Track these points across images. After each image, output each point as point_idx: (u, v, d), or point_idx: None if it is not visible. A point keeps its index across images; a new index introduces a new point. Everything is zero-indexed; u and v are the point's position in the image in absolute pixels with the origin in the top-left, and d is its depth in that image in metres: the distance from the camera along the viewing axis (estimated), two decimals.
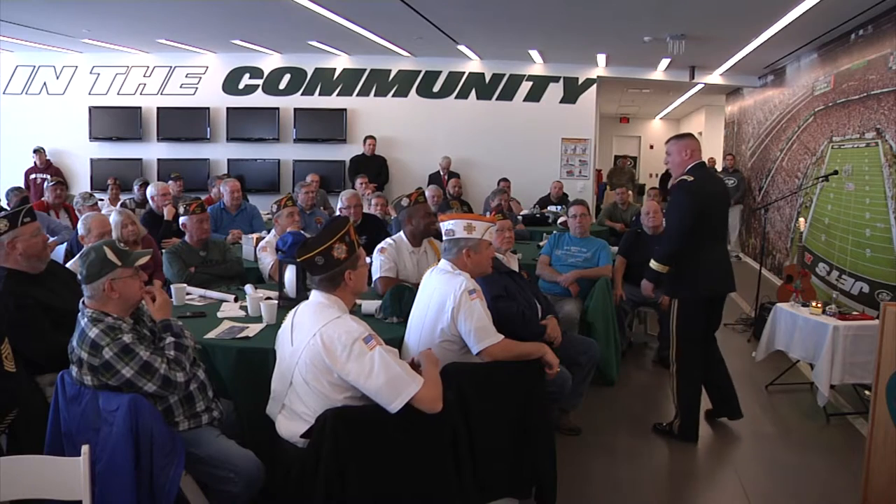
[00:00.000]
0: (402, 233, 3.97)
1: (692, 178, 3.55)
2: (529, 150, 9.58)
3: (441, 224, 2.95)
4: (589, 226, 5.08)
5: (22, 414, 2.48)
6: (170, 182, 7.41)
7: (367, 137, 9.27)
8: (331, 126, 9.55)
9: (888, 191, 5.14)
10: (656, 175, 15.34)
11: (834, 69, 6.49)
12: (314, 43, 8.45)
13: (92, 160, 9.64)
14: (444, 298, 2.71)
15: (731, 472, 3.50)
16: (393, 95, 9.60)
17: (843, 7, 5.36)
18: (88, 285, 2.32)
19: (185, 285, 3.72)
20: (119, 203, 7.04)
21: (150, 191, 5.69)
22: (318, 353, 2.19)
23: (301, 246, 2.37)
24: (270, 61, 9.54)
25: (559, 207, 8.07)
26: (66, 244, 4.76)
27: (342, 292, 2.35)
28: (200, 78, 9.63)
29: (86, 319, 2.29)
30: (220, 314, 3.33)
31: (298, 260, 2.34)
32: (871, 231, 5.41)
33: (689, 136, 3.80)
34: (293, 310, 2.43)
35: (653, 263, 3.67)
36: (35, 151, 9.09)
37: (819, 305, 4.32)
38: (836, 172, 6.00)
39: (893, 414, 2.58)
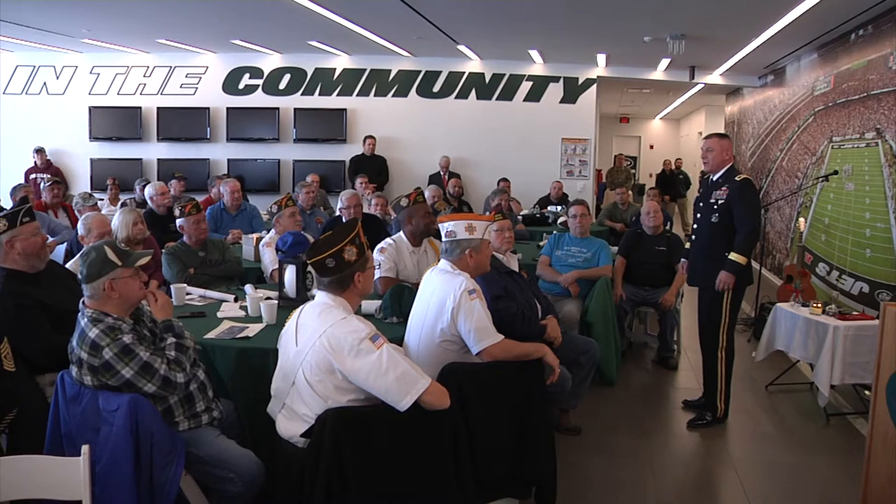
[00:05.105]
0: (401, 233, 3.97)
1: (749, 177, 3.87)
2: (529, 150, 9.58)
3: (441, 225, 2.94)
4: (589, 226, 5.09)
5: (22, 414, 2.48)
6: (172, 182, 7.41)
7: (366, 137, 9.27)
8: (331, 126, 9.54)
9: (888, 191, 5.14)
10: (655, 175, 15.32)
11: (834, 69, 6.49)
12: (314, 43, 8.44)
13: (92, 160, 9.64)
14: (443, 298, 2.71)
15: (731, 472, 3.50)
16: (393, 95, 9.60)
17: (843, 7, 5.36)
18: (88, 285, 2.32)
19: (184, 285, 3.72)
20: (119, 203, 7.04)
21: (148, 191, 5.70)
22: (324, 354, 2.19)
23: (311, 248, 2.37)
24: (270, 61, 9.53)
25: (559, 207, 8.06)
26: (66, 244, 4.76)
27: (350, 294, 2.36)
28: (200, 78, 9.62)
29: (86, 319, 2.29)
30: (220, 314, 3.33)
31: (309, 262, 2.34)
32: (871, 231, 5.41)
33: (728, 137, 4.10)
34: (297, 310, 2.43)
35: (734, 256, 3.75)
36: (35, 151, 9.09)
37: (819, 305, 4.32)
38: (836, 172, 6.00)
39: (893, 414, 2.58)
